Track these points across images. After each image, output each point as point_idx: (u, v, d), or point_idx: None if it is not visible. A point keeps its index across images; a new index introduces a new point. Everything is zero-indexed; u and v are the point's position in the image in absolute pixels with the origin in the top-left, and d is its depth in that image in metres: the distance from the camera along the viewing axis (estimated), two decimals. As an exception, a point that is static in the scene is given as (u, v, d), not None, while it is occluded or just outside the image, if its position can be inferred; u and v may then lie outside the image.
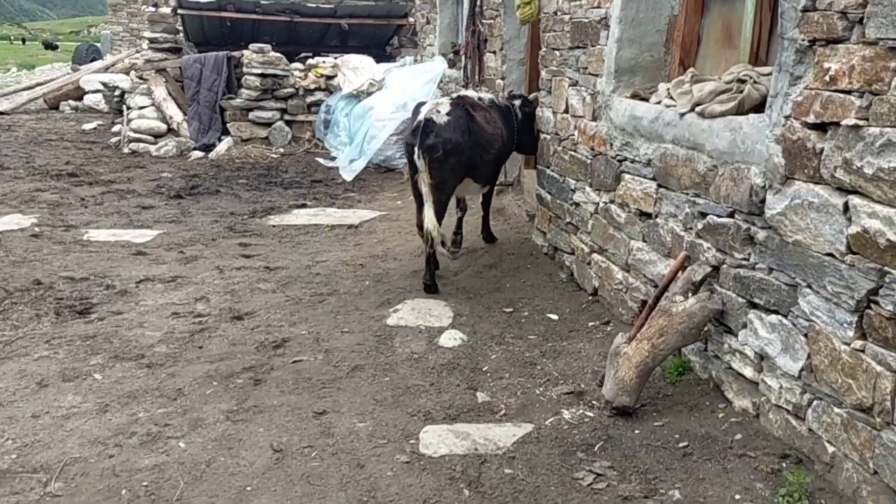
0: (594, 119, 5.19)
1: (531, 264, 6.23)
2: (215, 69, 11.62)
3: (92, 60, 19.10)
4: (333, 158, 10.91)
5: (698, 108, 3.83)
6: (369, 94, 11.10)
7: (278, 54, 11.59)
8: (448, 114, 5.51)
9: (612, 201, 4.94)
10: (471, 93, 6.80)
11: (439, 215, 5.52)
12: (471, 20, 8.35)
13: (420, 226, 5.67)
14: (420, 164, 5.38)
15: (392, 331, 4.90)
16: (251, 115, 11.59)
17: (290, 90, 11.72)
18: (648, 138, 4.36)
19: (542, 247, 6.43)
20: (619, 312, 4.87)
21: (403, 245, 6.89)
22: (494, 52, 8.02)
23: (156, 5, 12.56)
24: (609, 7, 4.91)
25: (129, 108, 12.05)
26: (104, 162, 10.78)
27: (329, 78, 11.89)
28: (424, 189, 5.44)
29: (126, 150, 11.47)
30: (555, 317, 5.11)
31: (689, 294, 3.73)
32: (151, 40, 12.30)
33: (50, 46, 64.15)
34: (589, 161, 5.30)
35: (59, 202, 8.32)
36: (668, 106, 4.19)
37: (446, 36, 11.02)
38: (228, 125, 11.58)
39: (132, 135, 11.51)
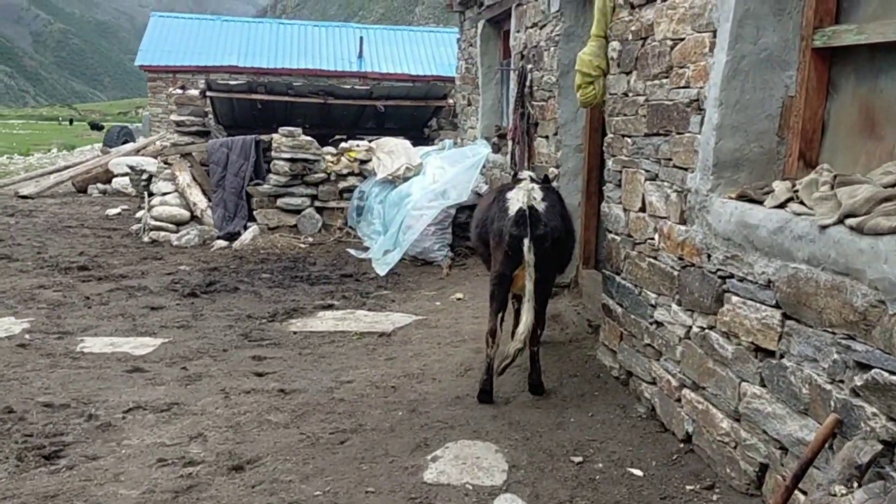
0: (683, 222, 4.20)
1: (599, 391, 5.15)
2: (242, 153, 10.93)
3: (124, 143, 18.78)
4: (366, 249, 10.03)
5: (851, 221, 2.81)
6: (406, 179, 10.30)
7: (309, 138, 10.89)
8: (544, 199, 4.96)
9: (711, 327, 3.89)
10: (527, 174, 5.88)
11: (540, 318, 4.92)
12: (519, 102, 7.52)
13: (493, 333, 5.07)
14: (529, 257, 4.75)
15: (430, 492, 3.83)
16: (279, 202, 10.82)
17: (322, 175, 10.96)
18: (768, 253, 3.34)
19: (610, 369, 5.37)
20: (726, 473, 3.76)
21: (443, 360, 5.87)
22: (547, 137, 7.14)
23: (183, 87, 12.05)
24: (703, 87, 3.98)
25: (151, 194, 11.39)
26: (120, 252, 10.02)
27: (363, 162, 11.14)
28: (529, 286, 4.77)
29: (146, 239, 10.73)
30: (638, 472, 4.00)
31: (854, 482, 2.64)
32: (178, 123, 11.74)
33: (96, 127, 65.38)
34: (676, 273, 4.28)
35: (61, 301, 7.49)
36: (796, 213, 3.18)
37: (489, 118, 10.23)
38: (255, 212, 10.82)
39: (153, 223, 10.79)
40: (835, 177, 3.06)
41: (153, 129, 24.68)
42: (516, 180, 5.44)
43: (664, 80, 4.46)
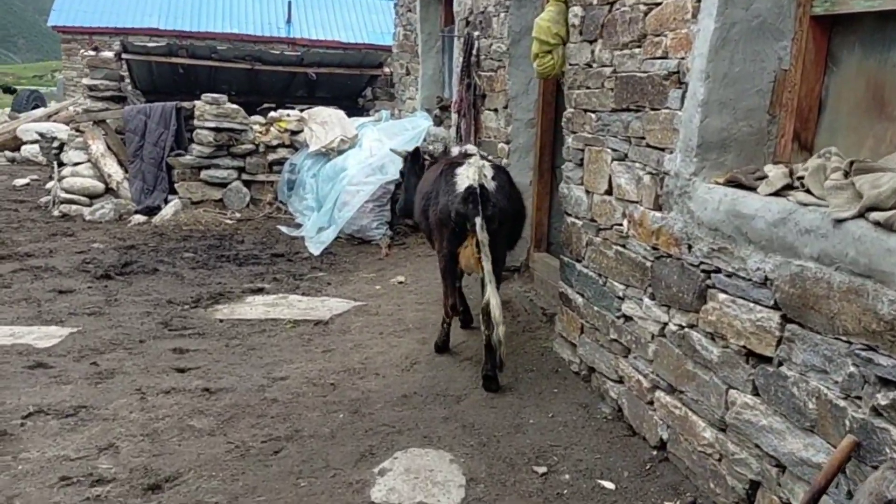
0: (658, 208, 3.80)
1: (558, 388, 4.76)
2: (162, 121, 10.11)
3: (35, 107, 17.45)
4: (298, 226, 9.41)
5: (876, 216, 2.44)
6: (341, 152, 9.69)
7: (235, 106, 10.13)
8: (493, 178, 4.86)
9: (692, 325, 3.52)
10: (472, 148, 5.55)
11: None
12: (465, 72, 7.01)
13: (454, 308, 5.10)
14: (482, 236, 4.58)
15: (380, 513, 3.38)
16: (203, 175, 10.05)
17: (250, 146, 10.23)
18: (765, 248, 2.96)
19: (570, 363, 4.98)
20: (709, 488, 3.41)
21: (386, 353, 5.39)
22: (496, 111, 6.66)
23: (96, 49, 11.09)
24: (685, 57, 3.56)
25: (62, 164, 10.47)
26: (27, 228, 9.15)
27: (294, 133, 10.45)
28: (486, 266, 4.60)
29: (56, 213, 9.85)
30: (610, 485, 3.62)
31: (881, 518, 2.29)
32: (91, 88, 10.79)
33: (8, 91, 61.48)
34: (649, 264, 3.89)
35: (-46, 285, 6.69)
36: (803, 204, 2.80)
37: (430, 89, 9.69)
38: (177, 185, 10.03)
39: (63, 195, 9.92)
40: (851, 163, 2.68)
41: (68, 94, 23.14)
42: (466, 156, 5.18)
43: (636, 50, 4.03)
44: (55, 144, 12.27)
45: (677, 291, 3.61)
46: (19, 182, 12.35)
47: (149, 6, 26.63)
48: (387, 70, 12.77)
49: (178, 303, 6.47)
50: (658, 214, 3.79)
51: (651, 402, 3.91)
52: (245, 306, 6.43)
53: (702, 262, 3.41)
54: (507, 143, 6.42)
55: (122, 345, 5.44)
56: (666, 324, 3.74)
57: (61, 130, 12.43)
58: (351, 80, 13.25)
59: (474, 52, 6.86)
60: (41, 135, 13.27)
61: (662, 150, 3.76)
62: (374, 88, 13.24)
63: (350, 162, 9.22)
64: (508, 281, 6.61)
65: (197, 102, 10.14)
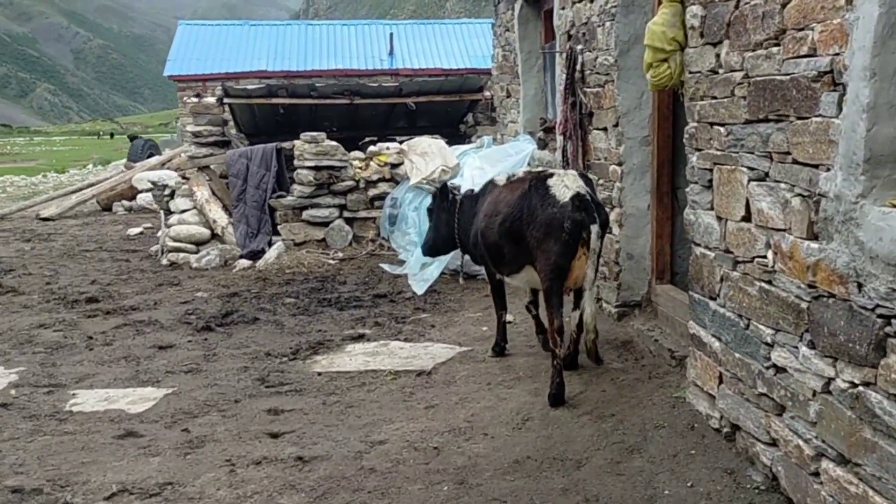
0: (813, 237, 3.11)
1: (696, 449, 4.08)
2: (263, 163, 10.03)
3: (150, 156, 18.07)
4: (401, 262, 9.04)
5: None
6: (442, 183, 9.25)
7: (333, 142, 9.92)
8: (588, 185, 4.95)
9: (868, 384, 2.80)
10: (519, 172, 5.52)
11: None
12: (569, 90, 6.44)
13: (560, 330, 4.76)
14: (596, 244, 4.70)
15: None
16: (305, 215, 9.88)
17: (350, 183, 10.00)
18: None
19: (707, 417, 4.29)
20: None
21: (495, 408, 4.85)
22: (605, 129, 6.05)
23: (198, 95, 11.19)
24: (839, 53, 2.88)
25: (169, 212, 10.56)
26: (135, 279, 9.19)
27: (394, 166, 10.14)
28: (591, 274, 4.73)
29: (164, 262, 9.90)
30: (773, 586, 2.93)
31: None
32: (195, 134, 10.89)
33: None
34: (805, 305, 3.19)
35: (60, 344, 6.63)
36: None
37: (532, 110, 9.15)
38: (279, 227, 9.90)
39: (171, 244, 9.95)
40: None
41: (185, 140, 24.05)
42: (539, 173, 5.12)
43: (773, 49, 3.37)
44: (166, 192, 12.45)
45: (846, 340, 2.90)
46: (133, 231, 12.64)
47: (257, 50, 27.44)
48: (487, 94, 12.33)
49: (277, 355, 6.16)
50: (814, 245, 3.10)
51: (816, 474, 3.19)
52: (344, 356, 6.05)
53: (878, 306, 2.71)
54: (620, 164, 5.80)
55: (217, 406, 5.14)
56: (832, 379, 3.03)
57: (172, 178, 12.64)
58: (451, 107, 12.89)
59: (578, 67, 6.28)
60: (153, 183, 13.52)
61: (816, 166, 3.08)
62: (475, 114, 12.82)
63: (452, 193, 8.77)
64: (628, 318, 5.95)
65: (296, 142, 10.00)
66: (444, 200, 5.90)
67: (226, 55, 27.26)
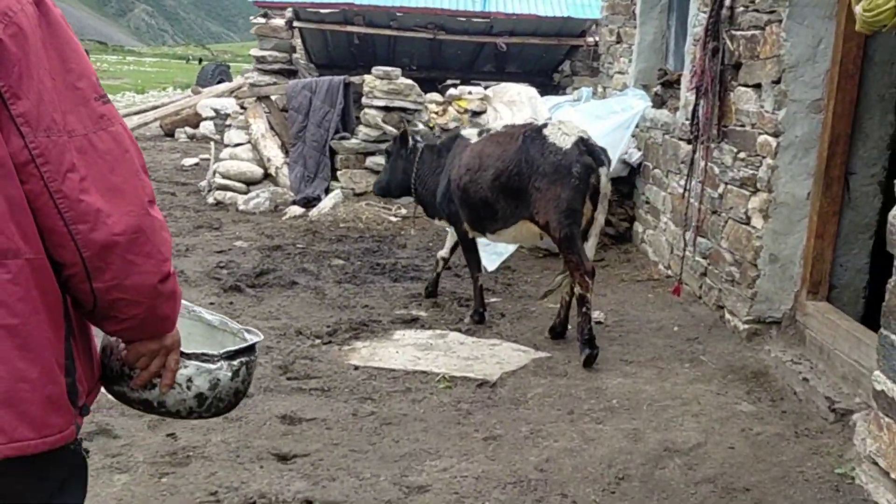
0: None
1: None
2: (328, 98, 8.80)
3: (219, 82, 17.08)
4: (473, 227, 7.74)
5: None
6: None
7: (409, 81, 8.61)
8: (582, 131, 4.86)
9: None
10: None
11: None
12: (710, 32, 4.92)
13: (592, 273, 4.66)
14: (607, 188, 4.79)
15: None
16: (368, 161, 8.65)
17: (423, 129, 8.69)
18: None
19: (898, 522, 2.92)
20: None
21: (578, 451, 3.57)
22: (758, 87, 4.55)
23: (265, 15, 9.97)
24: None
25: (222, 145, 9.50)
26: (174, 217, 8.19)
27: (475, 114, 8.79)
28: (601, 219, 4.86)
29: (210, 200, 8.87)
30: None
31: None
32: (258, 59, 9.76)
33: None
34: None
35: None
36: None
37: (649, 59, 7.57)
38: (339, 173, 8.71)
39: (219, 180, 8.90)
40: None
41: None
42: (526, 125, 5.23)
43: None
44: (227, 122, 11.44)
45: None
46: (188, 162, 11.69)
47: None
48: (590, 40, 10.75)
49: (310, 334, 5.00)
50: None
51: None
52: (390, 346, 4.84)
53: None
54: (775, 134, 4.31)
55: (219, 402, 4.00)
56: None
57: (234, 105, 11.61)
58: (547, 53, 11.39)
59: (727, 1, 4.76)
60: (216, 111, 12.62)
61: None
62: (574, 62, 11.28)
63: (540, 151, 7.40)
64: (763, 338, 4.55)
65: (367, 77, 8.74)
66: (404, 147, 5.69)
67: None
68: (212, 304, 5.51)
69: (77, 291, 1.38)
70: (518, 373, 4.46)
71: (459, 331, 5.14)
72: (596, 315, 5.16)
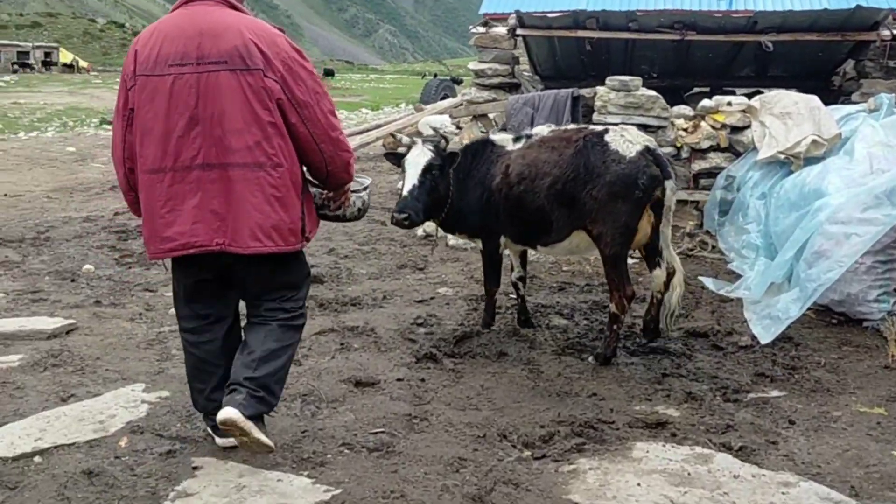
0: None
1: None
2: (553, 115, 7.54)
3: (443, 98, 16.45)
4: (733, 276, 6.10)
5: None
6: (813, 161, 6.14)
7: (652, 93, 7.12)
8: (648, 139, 4.72)
9: None
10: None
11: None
12: None
13: (628, 297, 4.55)
14: (672, 200, 4.66)
15: None
16: (600, 190, 7.24)
17: (668, 150, 7.15)
18: None
19: None
20: None
21: None
22: None
23: (486, 24, 8.94)
24: None
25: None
26: (378, 252, 7.34)
27: (735, 130, 7.10)
28: (667, 231, 4.70)
29: (419, 232, 7.93)
30: None
31: None
32: (477, 73, 8.78)
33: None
34: None
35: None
36: None
37: None
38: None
39: (430, 210, 7.92)
40: None
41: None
42: (586, 129, 4.81)
43: None
44: (445, 142, 10.51)
45: None
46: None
47: (570, -14, 24.62)
48: (885, 33, 8.54)
49: (516, 441, 3.70)
50: None
51: None
52: (628, 471, 3.41)
53: None
54: None
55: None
56: None
57: (449, 125, 10.69)
58: (824, 51, 9.30)
59: None
60: (434, 129, 11.79)
61: None
62: (862, 62, 9.08)
63: (831, 180, 5.61)
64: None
65: (599, 89, 7.37)
66: (449, 161, 4.84)
67: (538, -8, 24.83)
68: (399, 379, 4.41)
69: (318, 173, 3.37)
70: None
71: (730, 449, 3.60)
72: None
